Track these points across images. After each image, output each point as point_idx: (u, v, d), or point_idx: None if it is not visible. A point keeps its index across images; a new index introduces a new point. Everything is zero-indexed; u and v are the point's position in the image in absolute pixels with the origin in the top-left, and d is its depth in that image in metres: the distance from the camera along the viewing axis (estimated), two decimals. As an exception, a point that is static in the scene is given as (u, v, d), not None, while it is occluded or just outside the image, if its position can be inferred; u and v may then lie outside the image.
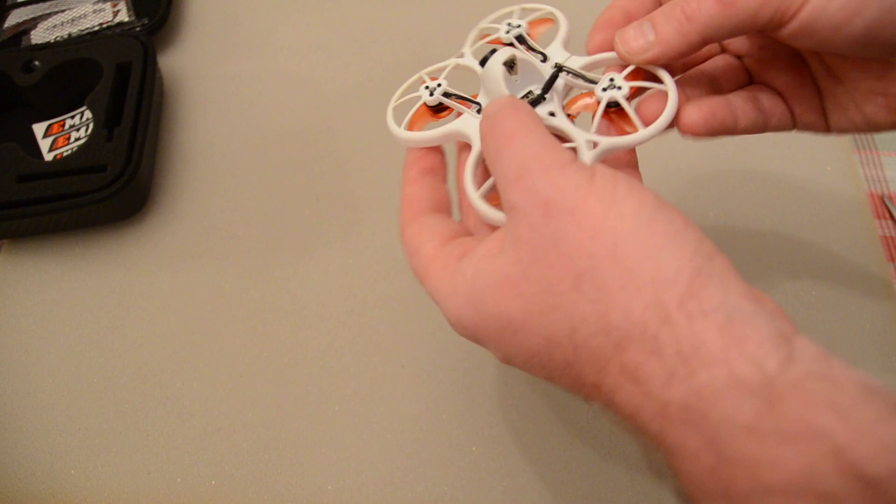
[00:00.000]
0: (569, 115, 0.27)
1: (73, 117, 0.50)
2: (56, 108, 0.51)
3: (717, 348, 0.18)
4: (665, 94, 0.26)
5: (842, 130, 0.29)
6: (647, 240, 0.20)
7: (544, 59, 0.29)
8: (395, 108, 0.30)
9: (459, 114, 0.29)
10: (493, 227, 0.26)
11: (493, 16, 0.32)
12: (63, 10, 0.57)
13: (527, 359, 0.22)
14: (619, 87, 0.26)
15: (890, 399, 0.17)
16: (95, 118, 0.47)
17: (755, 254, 0.42)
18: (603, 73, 0.27)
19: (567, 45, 0.29)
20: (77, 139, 0.48)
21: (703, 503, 0.19)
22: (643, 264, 0.20)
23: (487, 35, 0.31)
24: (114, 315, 0.43)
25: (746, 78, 0.30)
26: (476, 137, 0.27)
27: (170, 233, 0.47)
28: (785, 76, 0.29)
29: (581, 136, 0.25)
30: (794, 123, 0.29)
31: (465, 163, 0.27)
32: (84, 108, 0.49)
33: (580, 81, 0.27)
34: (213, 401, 0.40)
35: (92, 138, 0.46)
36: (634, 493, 0.35)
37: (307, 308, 0.43)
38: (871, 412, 0.17)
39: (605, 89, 0.26)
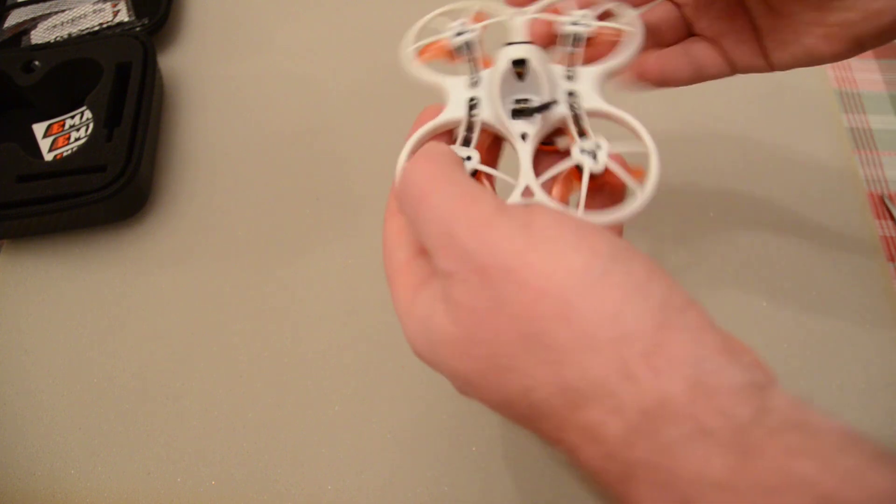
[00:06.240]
0: (545, 143, 0.25)
1: (73, 117, 0.50)
2: (56, 108, 0.51)
3: (684, 402, 0.17)
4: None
5: (784, 66, 0.30)
6: (602, 296, 0.18)
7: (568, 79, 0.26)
8: (423, 28, 0.29)
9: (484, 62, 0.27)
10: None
11: None
12: (63, 10, 0.57)
13: (485, 404, 0.21)
14: (596, 159, 0.24)
15: (872, 447, 0.16)
16: (95, 118, 0.47)
17: (755, 254, 0.42)
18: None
19: (607, 80, 0.26)
20: (77, 139, 0.48)
21: None
22: (600, 324, 0.18)
23: (553, 4, 0.28)
24: (114, 315, 0.43)
25: (685, 29, 0.32)
26: (450, 105, 0.26)
27: (170, 233, 0.47)
28: (721, 23, 0.31)
29: (523, 181, 0.24)
30: (732, 69, 0.31)
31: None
32: (84, 108, 0.49)
33: (572, 125, 0.25)
34: (213, 401, 0.40)
35: (92, 138, 0.46)
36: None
37: (307, 308, 0.43)
38: (855, 459, 0.16)
39: (582, 150, 0.24)
